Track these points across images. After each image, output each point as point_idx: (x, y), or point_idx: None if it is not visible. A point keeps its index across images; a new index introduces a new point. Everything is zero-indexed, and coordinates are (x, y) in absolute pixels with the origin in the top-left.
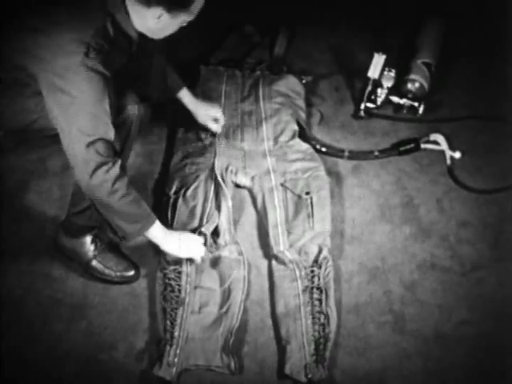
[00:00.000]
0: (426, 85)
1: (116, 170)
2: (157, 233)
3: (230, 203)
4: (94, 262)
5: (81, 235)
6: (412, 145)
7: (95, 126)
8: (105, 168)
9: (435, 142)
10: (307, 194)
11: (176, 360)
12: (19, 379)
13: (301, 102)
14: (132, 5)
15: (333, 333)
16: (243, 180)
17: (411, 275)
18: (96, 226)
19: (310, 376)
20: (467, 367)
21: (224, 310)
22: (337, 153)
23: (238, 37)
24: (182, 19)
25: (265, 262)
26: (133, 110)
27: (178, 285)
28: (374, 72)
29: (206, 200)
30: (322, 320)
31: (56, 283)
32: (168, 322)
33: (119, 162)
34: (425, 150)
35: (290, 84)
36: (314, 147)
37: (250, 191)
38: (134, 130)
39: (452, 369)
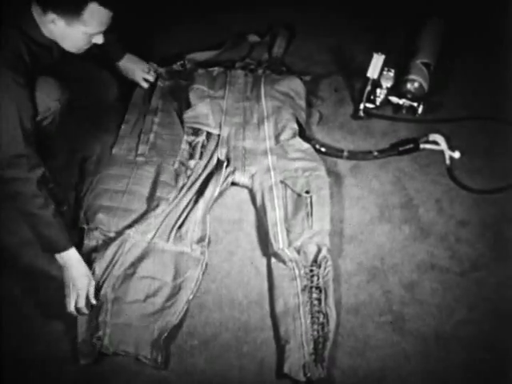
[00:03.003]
0: (425, 85)
1: (31, 186)
2: (65, 258)
3: (209, 199)
4: None
5: None
6: (411, 145)
7: (7, 144)
8: (19, 183)
9: (434, 142)
10: (307, 192)
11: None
12: (19, 379)
13: (301, 102)
14: (35, 13)
15: (332, 332)
16: (242, 178)
17: (410, 275)
18: None
19: (308, 375)
20: (467, 367)
21: (169, 304)
22: (336, 153)
23: (237, 37)
24: (80, 29)
25: (264, 262)
26: (55, 106)
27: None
28: (373, 72)
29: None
30: (321, 319)
31: (56, 283)
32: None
33: (34, 177)
34: (424, 150)
35: (292, 84)
36: (314, 147)
37: (250, 189)
38: (57, 122)
39: (452, 369)
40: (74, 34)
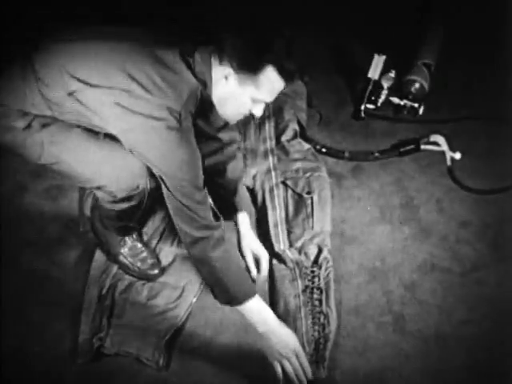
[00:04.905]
0: (426, 85)
1: (216, 235)
2: (254, 309)
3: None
4: (121, 257)
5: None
6: (412, 146)
7: (197, 194)
8: (206, 238)
9: (435, 143)
10: (308, 193)
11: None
12: (19, 379)
13: (302, 103)
14: (213, 64)
15: (332, 333)
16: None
17: (411, 275)
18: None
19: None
20: (467, 367)
21: (172, 306)
22: (337, 153)
23: None
24: (250, 91)
25: None
26: (144, 184)
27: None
28: (374, 73)
29: None
30: (321, 320)
31: (56, 283)
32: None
33: (219, 228)
34: (425, 150)
35: (293, 85)
36: (315, 148)
37: (251, 190)
38: (145, 202)
39: (452, 369)
40: (242, 96)
